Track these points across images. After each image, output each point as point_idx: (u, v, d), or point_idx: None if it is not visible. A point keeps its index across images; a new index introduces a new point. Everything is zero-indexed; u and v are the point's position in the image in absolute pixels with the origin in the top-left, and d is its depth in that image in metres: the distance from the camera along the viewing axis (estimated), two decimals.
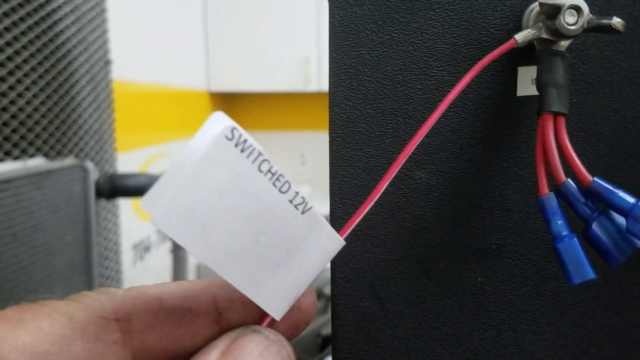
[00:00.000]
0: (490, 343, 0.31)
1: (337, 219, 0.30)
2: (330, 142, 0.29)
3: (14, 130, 0.93)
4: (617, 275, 0.31)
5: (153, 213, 0.19)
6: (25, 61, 0.94)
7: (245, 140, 0.20)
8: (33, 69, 0.96)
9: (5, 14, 0.88)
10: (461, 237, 0.30)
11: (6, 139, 0.91)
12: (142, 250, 1.49)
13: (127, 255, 1.33)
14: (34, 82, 0.96)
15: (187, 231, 0.20)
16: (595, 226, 0.26)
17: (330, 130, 0.29)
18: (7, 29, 0.89)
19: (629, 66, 0.30)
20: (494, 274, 0.31)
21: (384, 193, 0.25)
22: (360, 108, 0.29)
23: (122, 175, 1.05)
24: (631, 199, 0.25)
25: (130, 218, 1.39)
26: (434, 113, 0.26)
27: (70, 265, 0.99)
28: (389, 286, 0.30)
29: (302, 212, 0.23)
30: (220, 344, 0.22)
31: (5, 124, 0.91)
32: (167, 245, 1.32)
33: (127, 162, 1.32)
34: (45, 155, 1.00)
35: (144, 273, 1.44)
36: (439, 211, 0.30)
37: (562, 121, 0.27)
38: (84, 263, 1.02)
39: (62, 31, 1.02)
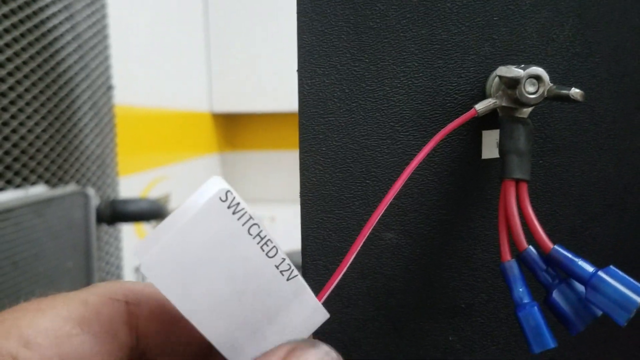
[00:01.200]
0: None
1: (310, 279, 0.31)
2: (301, 204, 0.30)
3: (16, 159, 0.94)
4: (590, 334, 0.32)
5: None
6: (27, 90, 0.95)
7: (238, 204, 0.22)
8: (35, 97, 0.97)
9: (7, 44, 0.90)
10: (431, 296, 0.31)
11: (7, 167, 0.92)
12: (144, 274, 1.49)
13: (128, 278, 1.34)
14: (35, 111, 0.98)
15: (173, 283, 0.22)
16: (555, 294, 0.27)
17: (301, 193, 0.30)
18: (8, 59, 0.90)
19: (594, 128, 0.30)
20: (464, 332, 0.31)
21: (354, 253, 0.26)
22: (330, 172, 0.30)
23: (123, 200, 1.06)
24: (590, 268, 0.26)
25: (133, 241, 1.40)
26: (401, 176, 0.27)
27: (73, 287, 0.99)
28: (361, 346, 0.31)
29: (288, 279, 0.23)
30: (279, 352, 0.22)
31: (7, 152, 0.92)
32: None
33: (129, 186, 1.34)
34: (47, 182, 1.01)
35: None
36: (408, 271, 0.31)
37: (524, 187, 0.28)
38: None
39: (64, 59, 1.04)
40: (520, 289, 0.27)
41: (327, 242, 0.30)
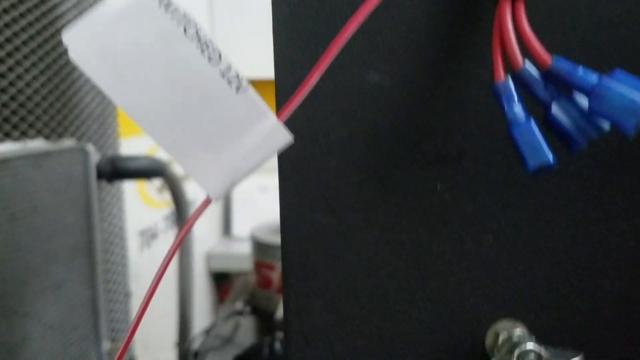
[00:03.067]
0: (451, 255, 0.29)
1: (281, 92, 0.27)
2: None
3: (14, 112, 0.93)
4: (589, 181, 0.29)
5: (71, 46, 0.20)
6: (24, 43, 0.94)
7: (171, 3, 0.20)
8: (33, 51, 0.96)
9: None
10: (419, 144, 0.29)
11: (6, 120, 0.91)
12: (149, 237, 1.49)
13: (133, 241, 1.33)
14: (33, 64, 0.96)
15: (102, 71, 0.22)
16: (555, 109, 0.24)
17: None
18: (5, 11, 0.89)
19: None
20: (454, 182, 0.29)
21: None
22: None
23: (123, 157, 1.05)
24: (594, 76, 0.23)
25: (136, 205, 1.39)
26: None
27: (72, 248, 0.98)
28: (342, 196, 0.28)
29: (237, 91, 0.21)
30: None
31: (4, 105, 0.91)
32: (175, 232, 1.32)
33: (131, 149, 1.32)
34: (46, 138, 1.00)
35: (151, 260, 1.44)
36: (394, 115, 0.28)
37: (520, 6, 0.25)
38: (86, 246, 1.01)
39: (62, 14, 1.02)
40: (516, 107, 0.24)
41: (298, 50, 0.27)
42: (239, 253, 2.06)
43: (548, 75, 0.24)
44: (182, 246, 1.20)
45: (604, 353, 0.30)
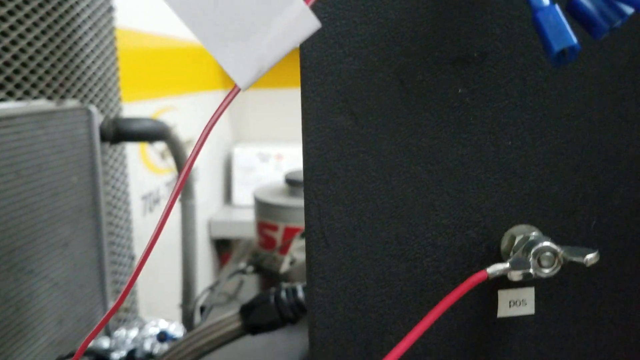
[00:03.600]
0: (470, 160, 0.29)
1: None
2: None
3: (16, 71, 0.92)
4: (606, 87, 0.29)
5: None
6: (26, 2, 0.93)
7: None
8: (34, 10, 0.95)
9: None
10: (440, 44, 0.29)
11: (8, 79, 0.91)
12: (152, 202, 1.50)
13: (136, 205, 1.33)
14: (35, 24, 0.96)
15: None
16: None
17: None
18: None
19: None
20: (475, 84, 0.29)
21: None
22: None
23: (126, 119, 1.05)
24: None
25: (139, 170, 1.39)
26: None
27: (77, 207, 0.98)
28: (363, 99, 0.28)
29: None
30: None
31: (7, 64, 0.90)
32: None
33: (134, 113, 1.32)
34: (49, 99, 0.99)
35: (153, 225, 1.44)
36: (416, 14, 0.28)
37: None
38: (91, 206, 1.02)
39: None
40: None
41: None
42: (240, 220, 2.11)
43: None
44: (185, 211, 1.21)
45: (615, 257, 0.31)
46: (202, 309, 0.98)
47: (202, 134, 0.24)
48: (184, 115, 1.78)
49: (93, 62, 1.11)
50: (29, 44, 0.94)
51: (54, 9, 1.00)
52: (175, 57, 1.80)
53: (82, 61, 1.08)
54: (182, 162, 1.14)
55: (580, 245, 0.30)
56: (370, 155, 0.29)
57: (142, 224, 1.35)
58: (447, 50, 0.28)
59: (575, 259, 0.28)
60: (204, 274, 1.90)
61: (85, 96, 1.08)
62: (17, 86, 0.92)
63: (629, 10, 0.24)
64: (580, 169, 0.30)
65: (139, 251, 1.23)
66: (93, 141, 1.01)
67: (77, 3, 1.05)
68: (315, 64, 0.28)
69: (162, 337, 0.79)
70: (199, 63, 2.04)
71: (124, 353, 0.78)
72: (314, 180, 0.29)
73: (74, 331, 0.94)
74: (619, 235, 0.31)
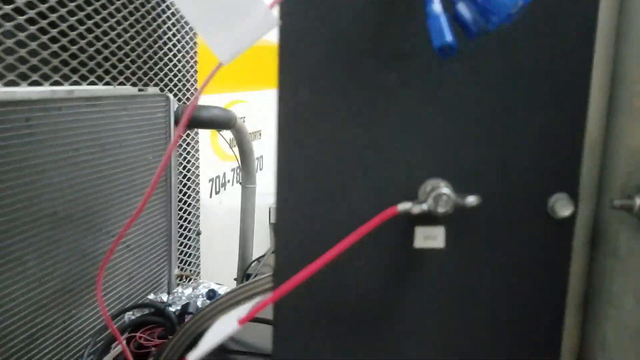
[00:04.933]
0: (399, 129, 0.42)
1: None
2: None
3: (106, 59, 1.05)
4: (496, 81, 0.40)
5: None
6: None
7: None
8: (124, 5, 1.08)
9: None
10: (381, 43, 0.40)
11: (98, 65, 1.04)
12: (219, 185, 1.61)
13: (204, 187, 1.45)
14: (124, 18, 1.08)
15: None
16: (459, 5, 0.33)
17: None
18: None
19: None
20: (405, 74, 0.40)
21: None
22: None
23: (199, 106, 1.16)
24: None
25: (209, 155, 1.51)
26: None
27: (150, 182, 1.10)
28: (322, 81, 0.40)
29: None
30: None
31: (98, 52, 1.03)
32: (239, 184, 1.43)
33: (209, 102, 1.43)
34: (134, 85, 1.12)
35: (218, 205, 1.58)
36: (363, 19, 0.40)
37: None
38: (163, 183, 1.14)
39: None
40: (434, 3, 0.33)
41: None
42: None
43: None
44: (245, 194, 1.31)
45: (503, 207, 0.43)
46: (249, 276, 1.07)
47: (184, 116, 0.33)
48: (255, 109, 1.89)
49: (175, 54, 1.24)
50: (118, 35, 1.07)
51: (142, 5, 1.12)
52: (250, 55, 1.91)
53: (165, 53, 1.20)
54: (245, 149, 1.24)
55: (480, 192, 0.41)
56: (325, 123, 0.39)
57: (208, 204, 1.47)
58: (386, 47, 0.39)
59: (460, 201, 0.38)
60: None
61: (166, 85, 1.20)
62: (106, 72, 1.05)
63: (492, 19, 0.32)
64: (483, 141, 0.41)
65: (204, 228, 1.34)
66: (168, 125, 1.13)
67: (162, 0, 1.18)
68: (290, 53, 0.38)
69: (211, 294, 0.89)
70: (272, 61, 2.14)
71: (179, 307, 0.88)
72: (282, 140, 0.39)
73: (141, 290, 1.05)
74: (508, 187, 0.43)
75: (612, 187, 0.44)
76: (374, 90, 0.40)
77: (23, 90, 0.81)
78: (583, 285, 0.46)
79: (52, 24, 0.88)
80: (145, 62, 1.15)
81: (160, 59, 1.19)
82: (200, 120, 1.13)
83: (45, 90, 0.85)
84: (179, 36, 1.24)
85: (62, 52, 0.93)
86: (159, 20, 1.17)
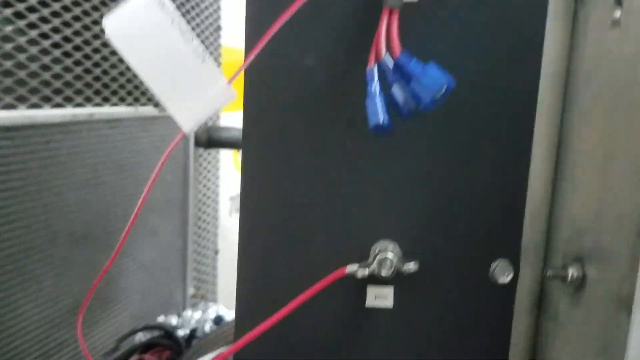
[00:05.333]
0: (352, 188, 0.45)
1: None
2: None
3: (129, 80, 1.08)
4: (437, 146, 0.44)
5: (108, 28, 0.32)
6: None
7: (164, 3, 0.31)
8: None
9: None
10: (336, 110, 0.44)
11: (121, 86, 1.06)
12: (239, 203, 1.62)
13: (224, 205, 1.47)
14: None
15: (123, 44, 0.31)
16: (394, 88, 0.36)
17: None
18: None
19: None
20: (358, 139, 0.43)
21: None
22: None
23: (218, 128, 1.17)
24: (419, 66, 0.35)
25: (230, 173, 1.52)
26: None
27: (168, 200, 1.12)
28: (288, 142, 0.45)
29: (202, 62, 0.32)
30: None
31: (121, 73, 1.06)
32: None
33: (232, 122, 1.45)
34: (155, 105, 1.14)
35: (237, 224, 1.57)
36: (322, 90, 0.43)
37: (395, 13, 0.38)
38: (181, 201, 1.15)
39: None
40: (373, 85, 0.35)
41: None
42: None
43: (396, 64, 0.36)
44: None
45: (447, 268, 0.45)
46: None
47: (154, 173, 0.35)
48: None
49: None
50: None
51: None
52: None
53: None
54: None
55: (426, 255, 0.44)
56: (291, 178, 0.44)
57: (227, 222, 1.48)
58: (341, 115, 0.43)
59: (400, 267, 0.42)
60: None
61: None
62: (129, 93, 1.08)
63: (423, 99, 0.35)
64: (429, 205, 0.44)
65: (222, 246, 1.36)
66: (188, 146, 1.15)
67: (188, 22, 1.20)
68: (255, 119, 0.44)
69: (218, 320, 0.90)
70: None
71: (187, 330, 0.89)
72: (246, 198, 0.46)
73: (155, 309, 1.07)
74: (452, 251, 0.45)
75: (554, 253, 0.45)
76: (330, 154, 0.44)
77: (44, 114, 0.83)
78: (529, 347, 0.47)
79: (77, 47, 0.91)
80: None
81: None
82: (220, 141, 1.15)
83: (66, 113, 0.87)
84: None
85: (85, 75, 0.95)
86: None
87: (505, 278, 0.44)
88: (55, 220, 0.85)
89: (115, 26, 0.32)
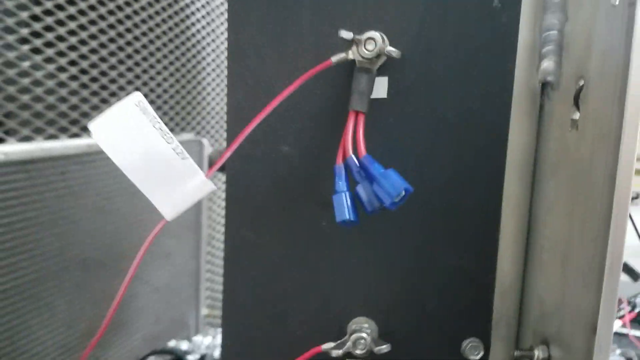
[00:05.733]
0: (328, 268, 0.48)
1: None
2: None
3: None
4: (405, 229, 0.47)
5: (93, 132, 0.36)
6: (158, 49, 1.11)
7: (146, 107, 0.34)
8: (165, 56, 1.13)
9: (142, 7, 1.06)
10: (312, 193, 0.47)
11: None
12: None
13: None
14: (165, 67, 1.14)
15: (110, 146, 0.34)
16: (359, 187, 0.39)
17: None
18: (143, 21, 1.07)
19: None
20: (332, 219, 0.43)
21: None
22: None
23: None
24: (381, 170, 0.38)
25: None
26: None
27: (181, 224, 1.15)
28: (262, 223, 0.48)
29: (182, 159, 0.35)
30: None
31: None
32: None
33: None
34: (171, 130, 1.17)
35: None
36: (298, 175, 0.46)
37: (361, 116, 0.40)
38: (194, 224, 1.18)
39: (193, 23, 1.19)
40: (341, 182, 0.39)
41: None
42: None
43: (361, 165, 0.39)
44: None
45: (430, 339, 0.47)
46: None
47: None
48: None
49: (212, 99, 1.28)
50: (158, 84, 1.12)
51: (183, 54, 1.17)
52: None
53: (203, 98, 1.25)
54: None
55: (400, 333, 0.47)
56: (264, 258, 0.48)
57: None
58: (316, 197, 0.46)
59: (374, 347, 0.44)
60: None
61: (203, 128, 1.25)
62: None
63: (384, 200, 0.38)
64: (402, 284, 0.47)
65: None
66: (202, 167, 1.17)
67: (203, 48, 1.23)
68: (236, 196, 0.48)
69: None
70: None
71: (198, 356, 0.92)
72: (230, 271, 0.49)
73: (168, 331, 1.10)
74: (426, 328, 0.47)
75: (526, 331, 0.47)
76: (307, 234, 0.46)
77: (60, 146, 0.86)
78: None
79: (94, 80, 0.94)
80: (183, 108, 1.20)
81: (199, 103, 1.24)
82: None
83: (81, 144, 0.90)
84: (217, 81, 1.29)
85: (102, 105, 0.98)
86: (199, 67, 1.22)
87: (475, 356, 0.46)
88: (69, 248, 0.88)
89: (100, 130, 0.35)
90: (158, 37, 1.10)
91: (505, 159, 0.44)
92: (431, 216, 0.46)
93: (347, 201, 0.39)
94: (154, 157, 0.35)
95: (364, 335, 0.44)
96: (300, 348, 0.44)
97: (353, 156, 0.39)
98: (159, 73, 1.11)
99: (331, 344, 0.44)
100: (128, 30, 1.02)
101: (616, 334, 0.94)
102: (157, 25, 1.09)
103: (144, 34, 1.06)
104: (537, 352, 0.41)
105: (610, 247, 0.32)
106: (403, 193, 0.37)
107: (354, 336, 0.44)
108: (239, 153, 0.45)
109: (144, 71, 1.08)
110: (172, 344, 0.99)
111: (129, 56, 1.02)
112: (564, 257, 0.39)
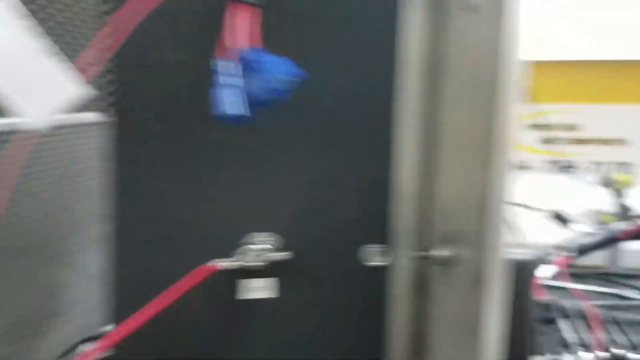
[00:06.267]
0: (228, 192, 0.50)
1: None
2: None
3: None
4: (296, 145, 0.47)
5: None
6: None
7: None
8: None
9: None
10: (201, 105, 0.46)
11: None
12: None
13: None
14: None
15: None
16: (247, 79, 0.39)
17: None
18: None
19: None
20: (224, 134, 0.47)
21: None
22: None
23: None
24: (268, 59, 0.38)
25: None
26: None
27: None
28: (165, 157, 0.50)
29: (47, 57, 0.34)
30: None
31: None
32: None
33: None
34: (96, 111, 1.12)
35: None
36: (187, 83, 0.47)
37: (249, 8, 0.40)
38: None
39: None
40: (221, 77, 0.39)
41: None
42: None
43: (250, 57, 0.38)
44: None
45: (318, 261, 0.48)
46: None
47: None
48: None
49: None
50: None
51: None
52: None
53: None
54: None
55: (302, 246, 0.47)
56: (156, 179, 0.48)
57: None
58: (205, 110, 0.45)
59: (273, 257, 0.44)
60: None
61: None
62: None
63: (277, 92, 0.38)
64: (302, 195, 0.47)
65: None
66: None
67: None
68: (125, 115, 0.48)
69: None
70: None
71: None
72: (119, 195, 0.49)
73: (103, 320, 1.04)
74: (328, 239, 0.48)
75: (429, 236, 0.47)
76: (200, 149, 0.46)
77: None
78: (416, 333, 0.49)
79: None
80: None
81: None
82: None
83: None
84: None
85: None
86: None
87: (377, 262, 0.47)
88: None
89: None
90: None
91: (396, 61, 0.44)
92: (330, 128, 0.45)
93: (228, 95, 0.38)
94: (19, 54, 0.34)
95: (255, 247, 0.44)
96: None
97: (235, 48, 0.38)
98: None
99: (224, 261, 0.44)
100: None
101: (558, 287, 0.95)
102: None
103: None
104: (440, 252, 0.42)
105: (496, 125, 0.33)
106: (296, 78, 0.37)
107: (245, 247, 0.44)
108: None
109: None
110: (109, 328, 0.94)
111: None
112: (462, 149, 0.39)
